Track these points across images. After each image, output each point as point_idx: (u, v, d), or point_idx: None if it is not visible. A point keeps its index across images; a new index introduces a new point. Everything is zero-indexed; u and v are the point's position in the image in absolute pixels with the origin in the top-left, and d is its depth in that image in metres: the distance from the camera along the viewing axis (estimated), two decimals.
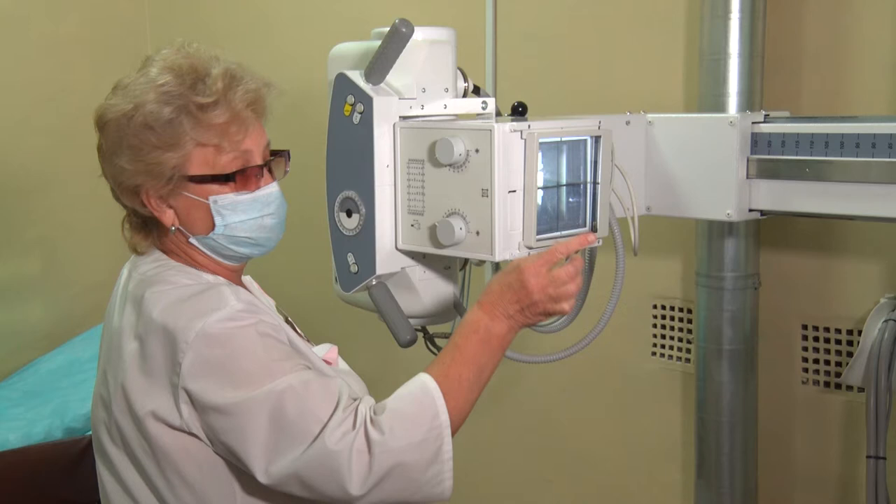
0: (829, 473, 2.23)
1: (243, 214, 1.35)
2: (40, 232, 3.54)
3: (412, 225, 1.50)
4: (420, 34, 1.49)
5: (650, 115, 1.80)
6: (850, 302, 2.10)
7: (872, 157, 1.59)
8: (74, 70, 3.53)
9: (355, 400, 1.28)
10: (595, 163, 1.50)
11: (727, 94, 2.03)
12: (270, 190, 1.39)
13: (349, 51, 1.58)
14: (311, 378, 1.27)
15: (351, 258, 1.53)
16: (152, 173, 1.32)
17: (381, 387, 1.44)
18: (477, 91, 1.66)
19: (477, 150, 1.41)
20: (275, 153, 1.42)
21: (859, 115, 2.04)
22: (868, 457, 1.83)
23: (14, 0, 3.45)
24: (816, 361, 2.20)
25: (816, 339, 2.19)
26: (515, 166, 1.41)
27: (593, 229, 1.52)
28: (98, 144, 1.38)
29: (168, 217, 1.36)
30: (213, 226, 1.35)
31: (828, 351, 2.18)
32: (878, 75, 2.02)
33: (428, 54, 1.52)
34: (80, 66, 3.54)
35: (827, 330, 2.17)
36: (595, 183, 1.51)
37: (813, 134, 1.66)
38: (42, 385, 3.25)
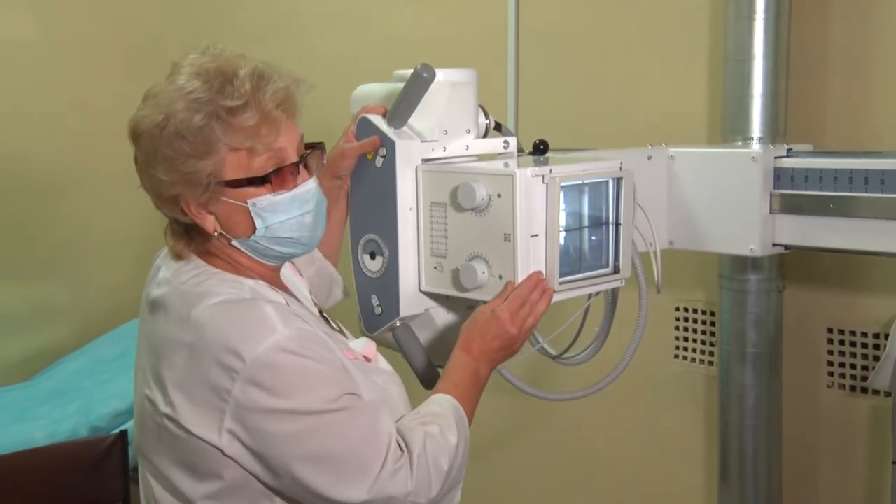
0: (854, 479, 2.22)
1: (283, 214, 1.34)
2: (65, 233, 3.59)
3: (435, 267, 1.51)
4: (441, 75, 1.50)
5: (672, 150, 1.80)
6: (876, 305, 2.09)
7: None
8: (98, 73, 3.56)
9: (398, 440, 1.30)
10: (617, 204, 1.51)
11: (751, 95, 2.03)
12: (308, 187, 1.36)
13: (372, 92, 1.59)
14: (358, 427, 1.28)
15: (375, 300, 1.54)
16: (189, 182, 1.31)
17: None
18: (499, 127, 1.67)
19: (499, 195, 1.42)
20: (309, 146, 1.40)
21: (884, 136, 2.04)
22: (894, 462, 1.81)
23: (38, 3, 3.50)
24: (842, 365, 2.19)
25: (842, 342, 2.19)
26: (538, 210, 1.42)
27: (616, 270, 1.52)
28: (134, 156, 1.37)
29: (209, 223, 1.35)
30: (254, 228, 1.34)
31: (853, 355, 2.17)
32: None
33: (450, 96, 1.53)
34: (103, 68, 3.57)
35: (853, 333, 2.17)
36: (617, 224, 1.51)
37: (836, 169, 1.65)
38: (67, 384, 3.29)
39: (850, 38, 2.11)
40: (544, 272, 1.44)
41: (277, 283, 1.43)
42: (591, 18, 2.57)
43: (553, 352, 1.74)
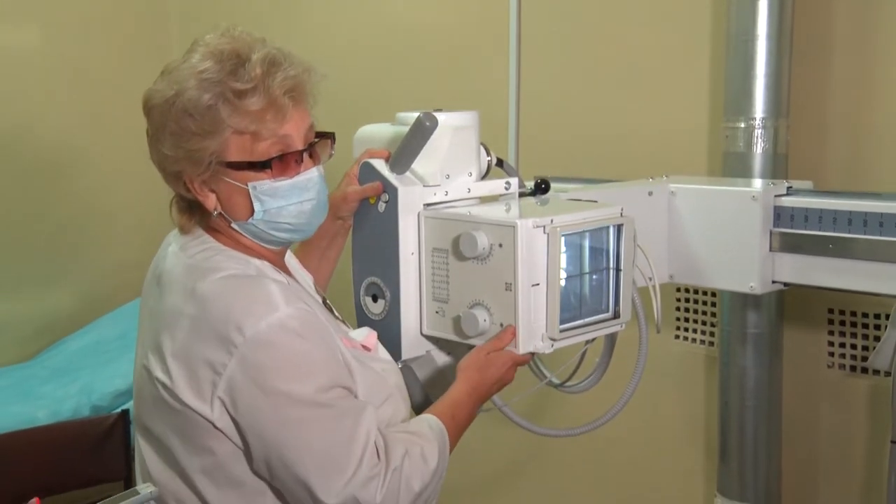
0: (853, 458, 2.26)
1: (282, 200, 1.35)
2: (68, 214, 3.62)
3: (437, 312, 1.52)
4: (444, 119, 1.50)
5: (672, 186, 1.80)
6: None
7: None
8: (100, 55, 3.58)
9: (378, 448, 1.31)
10: (618, 250, 1.51)
11: (755, 76, 2.06)
12: (310, 175, 1.36)
13: (375, 134, 1.60)
14: (343, 427, 1.29)
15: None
16: (192, 160, 1.33)
17: None
18: (501, 163, 1.67)
19: (500, 245, 1.42)
20: (318, 135, 1.40)
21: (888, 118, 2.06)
22: (892, 442, 1.83)
23: None
24: (843, 346, 2.23)
25: (843, 322, 2.22)
26: (539, 260, 1.43)
27: (616, 315, 1.54)
28: (146, 129, 1.39)
29: (210, 201, 1.36)
30: (252, 211, 1.35)
31: (854, 335, 2.20)
32: None
33: (451, 141, 1.53)
34: (105, 51, 3.59)
35: (853, 314, 2.20)
36: (618, 270, 1.52)
37: (836, 210, 1.66)
38: (70, 364, 3.34)
39: (854, 17, 2.13)
40: (545, 320, 1.45)
41: (281, 267, 1.45)
42: (590, 11, 2.59)
43: (556, 381, 1.76)
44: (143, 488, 1.29)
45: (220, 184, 1.35)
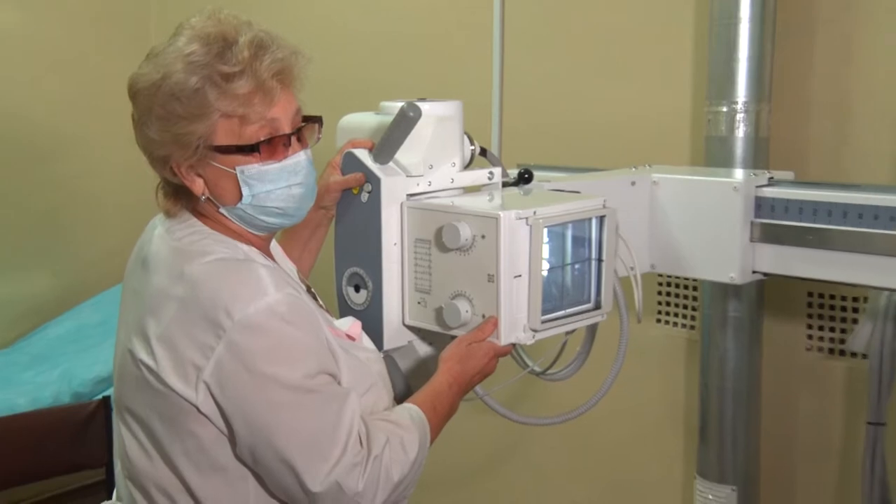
0: (830, 439, 2.29)
1: (270, 184, 1.34)
2: (49, 199, 3.59)
3: (419, 302, 1.52)
4: (427, 108, 1.50)
5: (655, 175, 1.81)
6: None
7: (874, 228, 1.60)
8: (82, 39, 3.55)
9: (361, 434, 1.31)
10: (600, 240, 1.52)
11: (737, 59, 2.07)
12: (298, 159, 1.35)
13: (359, 124, 1.59)
14: (329, 412, 1.30)
15: None
16: (179, 143, 1.31)
17: None
18: (484, 153, 1.67)
19: (483, 236, 1.43)
20: (306, 119, 1.39)
21: (865, 101, 2.08)
22: (868, 423, 1.86)
23: None
24: (821, 329, 2.26)
25: (822, 306, 2.25)
26: (521, 251, 1.43)
27: (597, 305, 1.54)
28: (132, 114, 1.37)
29: (198, 186, 1.35)
30: (240, 196, 1.34)
31: (832, 318, 2.23)
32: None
33: (435, 131, 1.53)
34: (87, 35, 3.56)
35: (832, 297, 2.22)
36: (600, 260, 1.53)
37: (816, 202, 1.67)
38: (50, 350, 3.32)
39: (837, 1, 2.14)
40: (527, 311, 1.46)
41: (267, 254, 1.44)
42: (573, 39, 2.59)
43: (538, 369, 1.77)
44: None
45: (208, 168, 1.33)
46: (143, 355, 1.33)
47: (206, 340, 1.27)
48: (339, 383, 1.35)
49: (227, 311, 1.26)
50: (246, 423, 1.29)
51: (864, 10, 2.13)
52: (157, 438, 1.36)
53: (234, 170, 1.32)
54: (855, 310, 2.19)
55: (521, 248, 1.43)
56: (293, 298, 1.31)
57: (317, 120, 1.41)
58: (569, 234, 1.51)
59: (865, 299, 2.02)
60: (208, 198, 1.36)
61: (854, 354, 2.17)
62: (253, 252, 1.38)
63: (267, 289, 1.29)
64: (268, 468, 1.30)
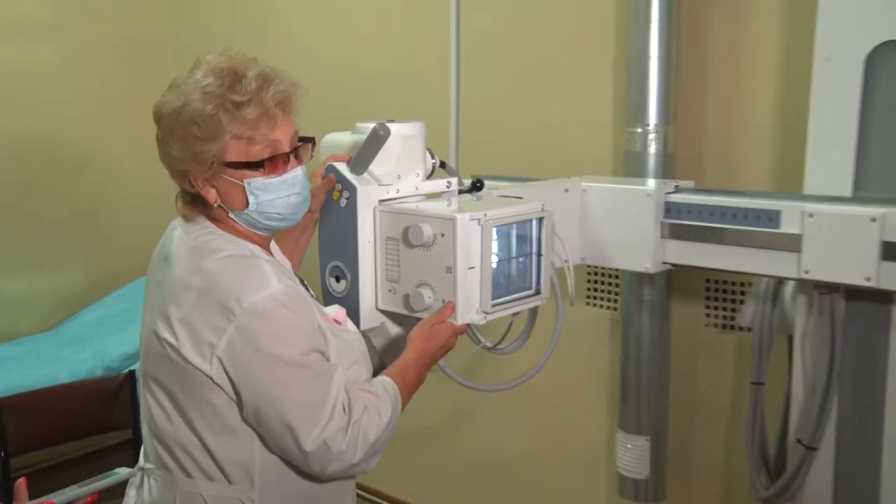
0: (723, 396, 2.31)
1: (272, 194, 1.32)
2: (80, 204, 3.58)
3: (389, 290, 1.50)
4: (395, 128, 1.47)
5: (584, 184, 1.79)
6: None
7: (756, 227, 1.61)
8: (105, 72, 3.56)
9: (344, 402, 1.30)
10: (539, 238, 1.50)
11: (649, 88, 2.09)
12: (295, 173, 1.34)
13: (338, 141, 1.55)
14: (321, 385, 1.28)
15: None
16: (197, 160, 1.30)
17: None
18: (443, 165, 1.65)
19: (443, 235, 1.40)
20: (301, 140, 1.38)
21: (748, 120, 2.12)
22: (752, 382, 1.87)
23: (55, 12, 3.49)
24: (716, 308, 2.28)
25: (717, 290, 2.27)
26: (474, 247, 1.40)
27: (538, 291, 1.53)
28: (156, 135, 1.35)
29: (211, 195, 1.33)
30: (247, 203, 1.33)
31: (725, 300, 2.26)
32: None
33: (402, 147, 1.49)
34: (109, 68, 3.57)
35: (725, 283, 2.24)
36: (539, 254, 1.51)
37: (713, 206, 1.67)
38: (84, 333, 3.31)
39: (725, 43, 2.17)
40: (479, 297, 1.44)
41: (268, 251, 1.42)
42: (518, 36, 2.57)
43: (489, 345, 1.76)
44: (121, 471, 1.28)
45: (220, 180, 1.32)
46: (166, 335, 1.31)
47: (219, 323, 1.26)
48: (327, 360, 1.33)
49: (237, 299, 1.25)
50: (252, 393, 1.27)
51: (745, 53, 2.15)
52: (178, 404, 1.34)
53: (243, 182, 1.31)
54: (742, 292, 2.20)
55: (474, 244, 1.41)
56: (291, 289, 1.29)
57: (310, 140, 1.39)
58: (514, 232, 1.49)
59: (750, 284, 2.03)
60: (220, 205, 1.34)
61: (742, 328, 2.19)
62: (257, 249, 1.36)
63: (270, 280, 1.27)
64: (269, 429, 1.29)
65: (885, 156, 1.59)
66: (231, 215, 1.35)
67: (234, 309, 1.25)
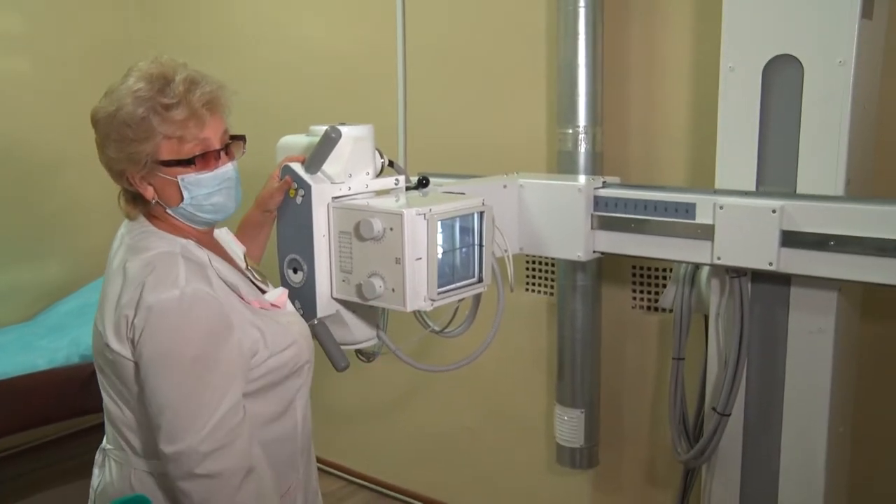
0: (648, 371, 2.33)
1: (205, 189, 1.29)
2: (56, 204, 3.51)
3: (343, 280, 1.46)
4: (346, 130, 1.43)
5: (521, 180, 1.78)
6: None
7: (675, 218, 1.62)
8: (78, 78, 3.46)
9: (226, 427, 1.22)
10: (480, 230, 1.48)
11: (578, 94, 2.09)
12: (226, 169, 1.31)
13: (293, 143, 1.51)
14: (202, 391, 1.22)
15: (297, 304, 1.48)
16: (132, 160, 1.27)
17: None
18: (392, 164, 1.62)
19: (391, 229, 1.37)
20: (232, 138, 1.35)
21: (664, 123, 2.15)
22: (673, 358, 1.89)
23: (28, 24, 3.39)
24: (642, 292, 2.29)
25: (642, 276, 2.28)
26: (420, 240, 1.38)
27: (480, 280, 1.51)
28: (95, 139, 1.32)
29: (149, 192, 1.30)
30: (182, 198, 1.29)
31: (649, 284, 2.27)
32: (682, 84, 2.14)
33: (353, 148, 1.46)
34: (82, 75, 3.47)
35: (649, 269, 2.26)
36: (481, 245, 1.49)
37: (636, 199, 1.68)
38: (61, 322, 3.22)
39: (643, 52, 2.19)
40: (426, 286, 1.41)
41: (207, 243, 1.37)
42: (460, 46, 2.56)
43: (437, 328, 1.73)
44: None
45: (156, 178, 1.28)
46: (99, 325, 1.29)
47: (129, 314, 1.23)
48: (235, 363, 1.25)
49: (143, 296, 1.22)
50: (145, 380, 1.23)
51: (662, 64, 2.17)
52: (117, 389, 1.31)
53: (176, 178, 1.28)
54: (664, 277, 2.23)
55: (421, 237, 1.38)
56: (200, 292, 1.23)
57: (241, 138, 1.36)
58: (457, 225, 1.47)
59: (671, 270, 2.06)
60: (157, 201, 1.31)
61: (664, 310, 2.21)
62: (190, 244, 1.31)
63: (178, 282, 1.22)
64: (149, 415, 1.25)
65: (781, 155, 1.62)
66: (169, 211, 1.32)
67: (141, 304, 1.22)
